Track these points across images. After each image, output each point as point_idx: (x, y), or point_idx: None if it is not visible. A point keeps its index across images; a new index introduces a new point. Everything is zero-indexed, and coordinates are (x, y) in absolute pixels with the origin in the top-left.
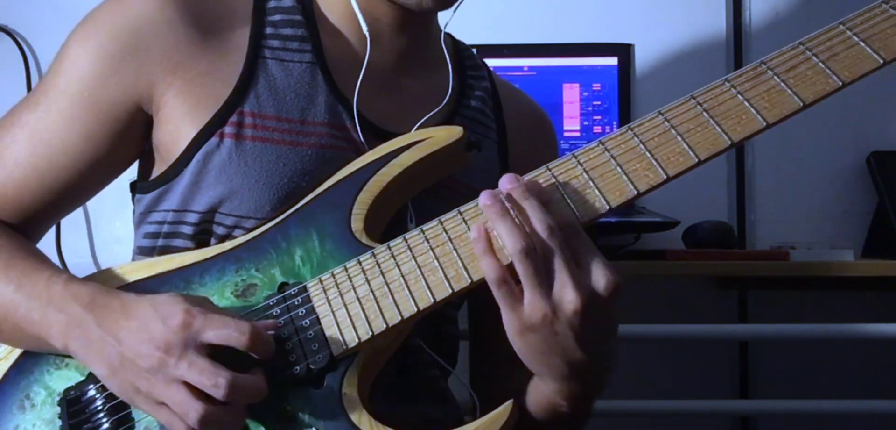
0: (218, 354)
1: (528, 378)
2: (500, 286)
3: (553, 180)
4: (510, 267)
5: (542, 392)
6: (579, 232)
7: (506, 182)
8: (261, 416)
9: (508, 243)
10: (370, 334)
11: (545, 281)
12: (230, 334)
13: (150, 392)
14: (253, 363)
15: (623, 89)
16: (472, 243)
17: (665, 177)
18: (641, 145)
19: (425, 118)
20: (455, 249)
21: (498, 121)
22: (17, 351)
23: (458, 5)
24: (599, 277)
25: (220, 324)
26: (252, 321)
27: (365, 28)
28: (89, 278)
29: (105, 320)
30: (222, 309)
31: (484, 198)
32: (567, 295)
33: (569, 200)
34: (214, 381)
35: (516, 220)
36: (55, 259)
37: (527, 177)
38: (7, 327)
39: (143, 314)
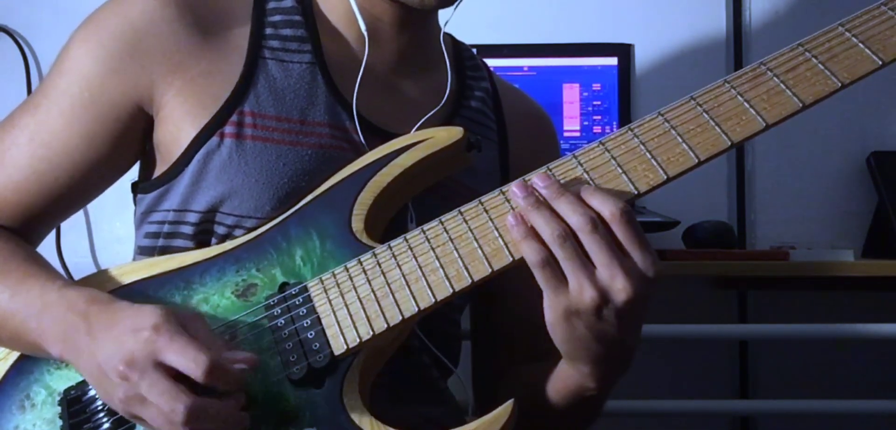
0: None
1: (550, 368)
2: (543, 268)
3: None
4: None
5: (571, 377)
6: (620, 218)
7: (538, 181)
8: (261, 416)
9: (546, 231)
10: (371, 333)
11: (589, 267)
12: (186, 363)
13: (127, 407)
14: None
15: (623, 89)
16: (509, 228)
17: (665, 177)
18: (642, 146)
19: (425, 118)
20: (456, 248)
21: (498, 121)
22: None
23: (458, 4)
24: (647, 263)
25: (179, 350)
26: (216, 355)
27: (363, 28)
28: (89, 279)
29: (93, 329)
30: (215, 316)
31: (518, 190)
32: (618, 283)
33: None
34: (172, 407)
35: (553, 210)
36: (55, 260)
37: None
38: (4, 334)
39: (123, 324)
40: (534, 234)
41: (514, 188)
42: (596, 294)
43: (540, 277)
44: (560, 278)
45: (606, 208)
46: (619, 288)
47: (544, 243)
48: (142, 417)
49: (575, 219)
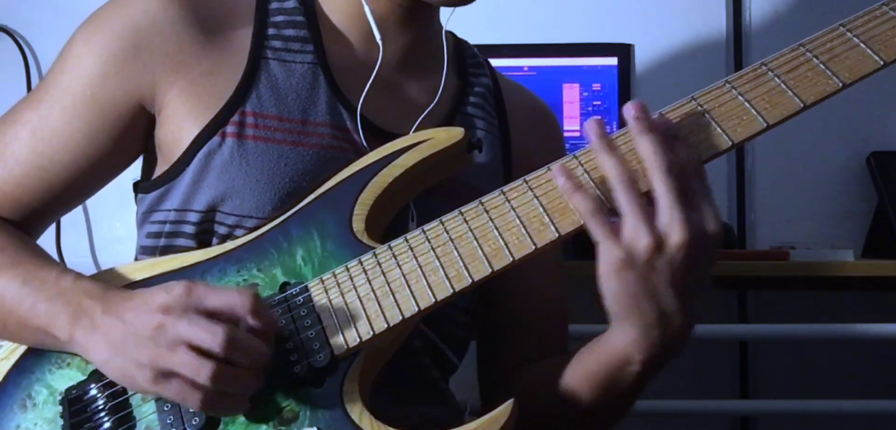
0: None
1: (584, 351)
2: (594, 217)
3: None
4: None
5: (615, 348)
6: (695, 173)
7: (630, 109)
8: (262, 415)
9: (613, 173)
10: (371, 333)
11: (649, 211)
12: (230, 299)
13: (155, 362)
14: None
15: (623, 89)
16: (555, 179)
17: None
18: None
19: (422, 116)
20: (456, 248)
21: (500, 118)
22: (19, 351)
23: (469, 2)
24: (709, 219)
25: (220, 292)
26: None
27: (378, 35)
28: (91, 278)
29: (111, 306)
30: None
31: (592, 128)
32: (675, 228)
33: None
34: (212, 332)
35: (625, 157)
36: (54, 259)
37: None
38: (11, 321)
39: (148, 292)
40: (582, 187)
41: (589, 126)
42: (652, 240)
43: (593, 226)
44: (614, 226)
45: (690, 157)
46: (676, 233)
47: (591, 196)
48: (171, 368)
49: (655, 157)
